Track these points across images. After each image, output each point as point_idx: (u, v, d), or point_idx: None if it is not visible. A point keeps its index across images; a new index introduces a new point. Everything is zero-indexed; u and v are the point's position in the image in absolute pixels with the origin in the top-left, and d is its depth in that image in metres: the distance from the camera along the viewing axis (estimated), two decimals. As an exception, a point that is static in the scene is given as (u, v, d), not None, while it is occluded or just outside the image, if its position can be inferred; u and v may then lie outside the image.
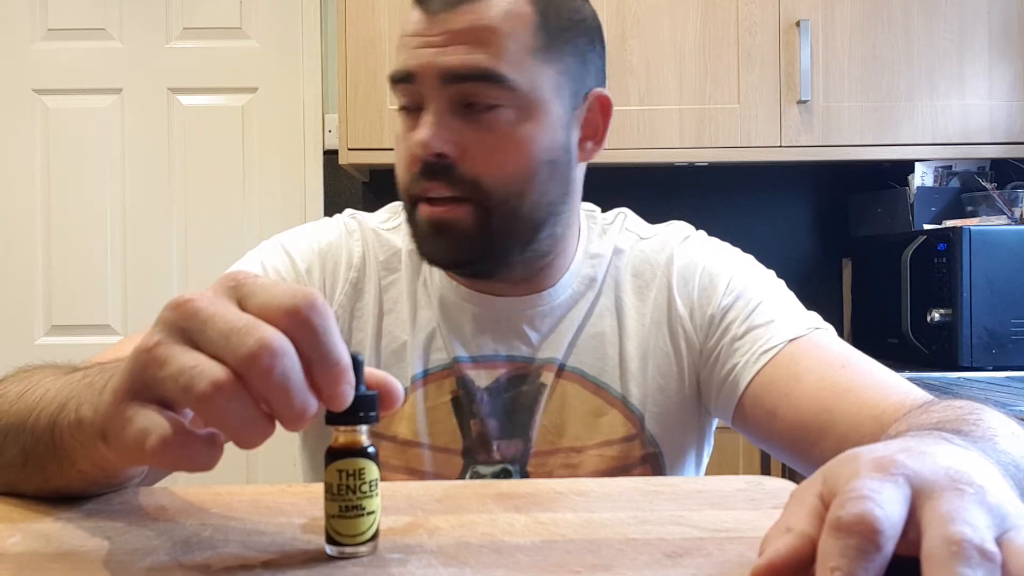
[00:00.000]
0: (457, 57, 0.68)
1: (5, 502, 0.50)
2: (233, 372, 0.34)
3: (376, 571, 0.37)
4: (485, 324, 0.78)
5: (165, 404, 0.36)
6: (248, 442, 0.35)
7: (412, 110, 0.72)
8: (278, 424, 0.36)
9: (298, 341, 0.35)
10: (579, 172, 0.77)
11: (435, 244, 0.72)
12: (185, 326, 0.36)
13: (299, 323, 0.35)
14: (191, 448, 0.35)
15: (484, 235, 0.71)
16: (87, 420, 0.41)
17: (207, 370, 0.34)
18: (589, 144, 0.76)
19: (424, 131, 0.69)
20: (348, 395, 0.36)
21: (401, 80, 0.71)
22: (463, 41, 0.68)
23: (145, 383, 0.36)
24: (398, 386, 0.40)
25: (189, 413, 0.37)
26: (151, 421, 0.35)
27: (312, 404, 0.35)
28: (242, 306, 0.37)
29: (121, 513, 0.47)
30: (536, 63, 0.70)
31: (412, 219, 0.73)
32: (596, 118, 0.76)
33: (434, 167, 0.69)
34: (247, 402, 0.34)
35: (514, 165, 0.70)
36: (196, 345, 0.36)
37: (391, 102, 1.80)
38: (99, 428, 0.38)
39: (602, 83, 0.77)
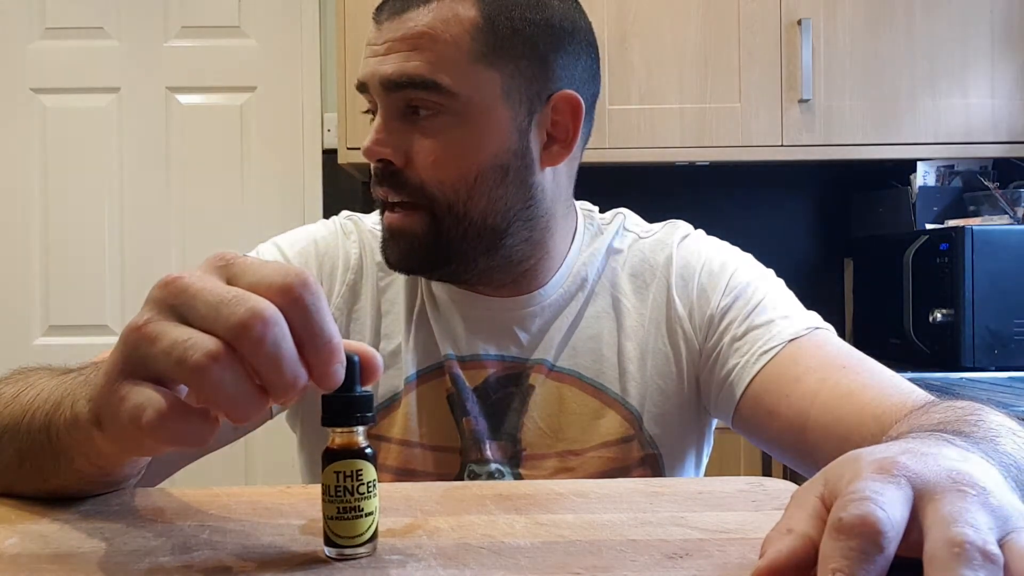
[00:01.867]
0: (393, 65, 0.69)
1: (2, 503, 0.50)
2: (225, 343, 0.34)
3: (375, 572, 0.37)
4: (476, 324, 0.78)
5: (158, 381, 0.36)
6: (241, 415, 0.35)
7: (373, 117, 0.74)
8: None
9: (289, 319, 0.35)
10: (546, 177, 0.75)
11: (391, 250, 0.74)
12: (175, 303, 0.36)
13: (290, 301, 0.35)
14: (187, 421, 0.35)
15: (436, 240, 0.72)
16: (83, 415, 0.41)
17: (200, 342, 0.34)
18: (555, 147, 0.74)
19: (369, 137, 0.71)
20: (339, 374, 0.36)
21: (358, 89, 0.73)
22: (401, 49, 0.69)
23: (138, 361, 0.36)
24: (376, 354, 0.40)
25: (182, 391, 0.37)
26: (145, 397, 0.35)
27: (302, 375, 0.35)
28: (232, 284, 0.37)
29: (119, 514, 0.47)
30: (479, 68, 0.70)
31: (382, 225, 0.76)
32: (565, 120, 0.73)
33: (382, 173, 0.72)
34: (240, 373, 0.34)
35: (456, 170, 0.71)
36: (186, 321, 0.36)
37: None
38: (94, 414, 0.38)
39: (579, 84, 0.74)
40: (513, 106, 0.71)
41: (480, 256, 0.74)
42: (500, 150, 0.71)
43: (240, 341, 0.34)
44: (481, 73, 0.70)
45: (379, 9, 0.72)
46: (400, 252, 0.73)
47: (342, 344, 0.37)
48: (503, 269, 0.76)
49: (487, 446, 0.76)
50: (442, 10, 0.69)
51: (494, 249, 0.74)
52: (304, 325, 0.35)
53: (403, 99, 0.70)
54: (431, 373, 0.78)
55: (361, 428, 0.39)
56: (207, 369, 0.34)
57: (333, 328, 0.36)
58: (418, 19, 0.69)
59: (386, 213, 0.74)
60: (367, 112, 0.75)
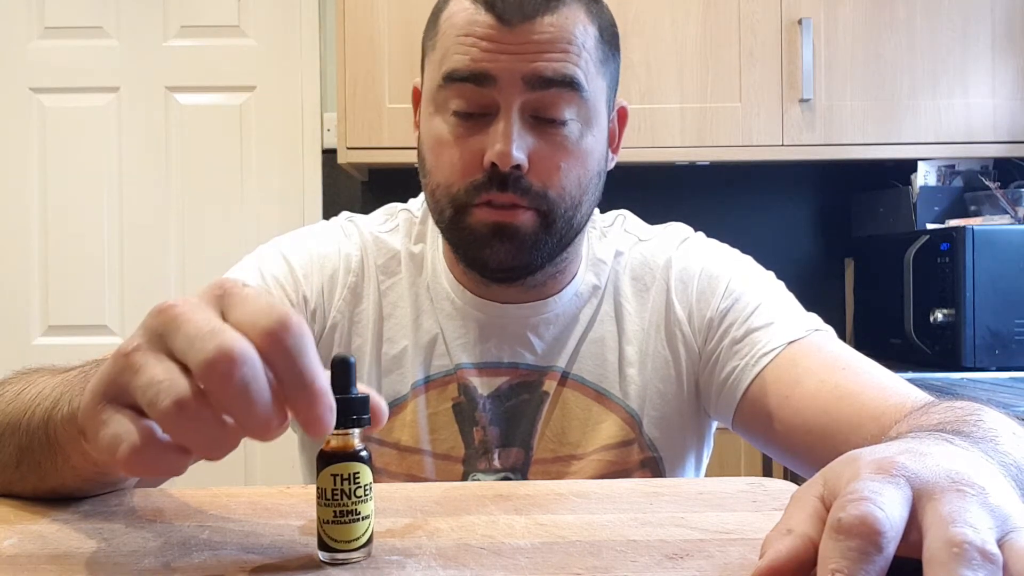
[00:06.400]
0: (544, 63, 0.68)
1: (1, 504, 0.50)
2: (197, 385, 0.34)
3: (374, 573, 0.37)
4: (490, 331, 0.77)
5: (138, 409, 0.36)
6: (215, 455, 0.35)
7: (470, 115, 0.70)
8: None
9: (271, 361, 0.35)
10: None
11: (494, 249, 0.71)
12: (163, 331, 0.36)
13: (271, 343, 0.35)
14: (160, 458, 0.35)
15: (543, 242, 0.72)
16: (78, 412, 0.42)
17: (172, 386, 0.34)
18: (610, 153, 0.78)
19: (505, 142, 0.68)
20: (326, 419, 0.35)
21: (470, 80, 0.69)
22: (548, 50, 0.68)
23: (120, 388, 0.36)
24: (382, 403, 0.40)
25: None
26: (123, 428, 0.35)
27: (276, 417, 0.35)
28: (224, 317, 0.36)
29: (118, 515, 0.47)
30: (597, 76, 0.72)
31: (459, 225, 0.71)
32: (616, 128, 0.79)
33: (506, 177, 0.69)
34: (209, 420, 0.34)
35: (577, 177, 0.72)
36: (170, 351, 0.36)
37: (390, 100, 1.80)
38: (80, 425, 0.38)
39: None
40: (608, 114, 0.76)
41: (557, 256, 0.75)
42: (601, 157, 0.75)
43: (208, 379, 0.34)
44: (599, 81, 0.72)
45: (491, 4, 0.68)
46: (508, 250, 0.71)
47: (328, 389, 0.36)
48: (546, 270, 0.76)
49: (497, 454, 0.76)
50: (571, 18, 0.69)
51: (567, 249, 0.75)
52: (286, 368, 0.35)
53: (539, 99, 0.69)
54: (439, 379, 0.77)
55: (357, 431, 0.39)
56: (175, 417, 0.34)
57: (317, 371, 0.35)
58: (557, 23, 0.68)
59: (480, 211, 0.70)
60: (458, 114, 0.70)
